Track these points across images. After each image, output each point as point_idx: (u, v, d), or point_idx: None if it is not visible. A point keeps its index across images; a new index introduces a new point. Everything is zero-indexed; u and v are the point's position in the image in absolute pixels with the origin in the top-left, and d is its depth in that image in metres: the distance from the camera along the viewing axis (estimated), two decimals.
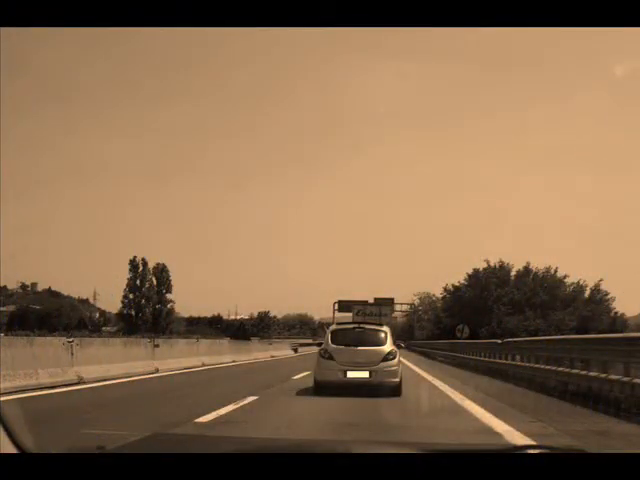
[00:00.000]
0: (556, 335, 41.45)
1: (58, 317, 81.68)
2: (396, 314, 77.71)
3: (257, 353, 35.25)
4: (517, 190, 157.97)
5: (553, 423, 8.20)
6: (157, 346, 19.10)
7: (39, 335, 30.75)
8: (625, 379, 9.50)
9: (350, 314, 65.35)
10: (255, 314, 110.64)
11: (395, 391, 11.86)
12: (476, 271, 64.69)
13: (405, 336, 76.03)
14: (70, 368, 13.26)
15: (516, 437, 6.92)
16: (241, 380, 17.38)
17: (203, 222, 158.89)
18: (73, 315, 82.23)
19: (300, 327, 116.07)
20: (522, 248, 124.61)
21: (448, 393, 12.96)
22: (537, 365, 14.84)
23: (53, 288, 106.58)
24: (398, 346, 13.71)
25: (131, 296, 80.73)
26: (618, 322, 60.01)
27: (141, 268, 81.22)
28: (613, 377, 10.02)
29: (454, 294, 66.46)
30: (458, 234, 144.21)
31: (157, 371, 17.91)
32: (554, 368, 13.23)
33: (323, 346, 12.52)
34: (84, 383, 13.25)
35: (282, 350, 46.26)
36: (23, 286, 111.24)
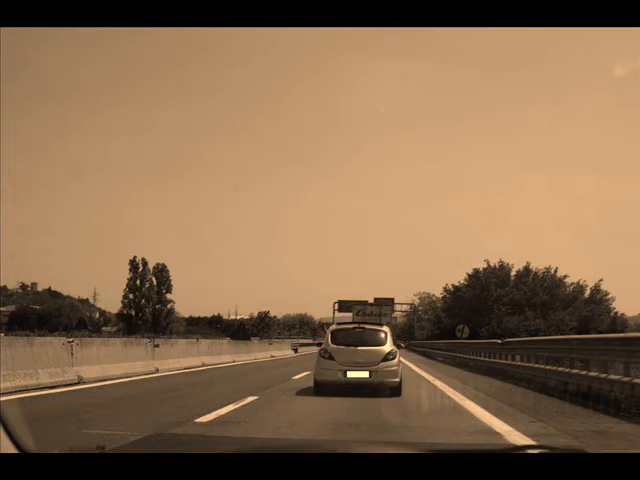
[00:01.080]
0: (556, 335, 41.50)
1: (58, 317, 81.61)
2: (396, 314, 77.76)
3: (257, 353, 35.22)
4: (517, 190, 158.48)
5: (553, 423, 8.19)
6: (157, 346, 19.09)
7: (39, 335, 30.72)
8: (625, 379, 9.49)
9: (350, 314, 65.38)
10: (255, 314, 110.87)
11: (395, 391, 11.87)
12: (476, 271, 64.65)
13: (405, 336, 76.07)
14: (70, 368, 13.26)
15: (516, 437, 6.92)
16: (241, 380, 17.37)
17: (203, 222, 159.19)
18: (73, 315, 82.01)
19: (300, 327, 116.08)
20: (522, 248, 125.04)
21: (448, 393, 12.94)
22: (537, 365, 14.83)
23: (53, 288, 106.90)
24: (398, 346, 13.69)
25: (131, 296, 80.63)
26: (618, 322, 59.92)
27: (141, 268, 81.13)
28: (613, 377, 10.01)
29: (454, 294, 66.40)
30: (458, 234, 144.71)
31: (157, 371, 17.91)
32: (554, 368, 13.22)
33: (323, 346, 12.50)
34: (84, 383, 13.26)
35: (282, 350, 46.21)
36: (23, 286, 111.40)
